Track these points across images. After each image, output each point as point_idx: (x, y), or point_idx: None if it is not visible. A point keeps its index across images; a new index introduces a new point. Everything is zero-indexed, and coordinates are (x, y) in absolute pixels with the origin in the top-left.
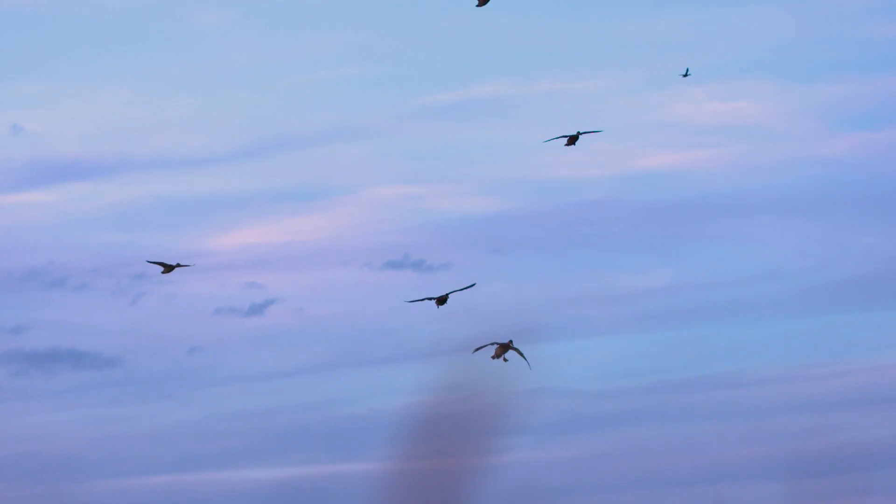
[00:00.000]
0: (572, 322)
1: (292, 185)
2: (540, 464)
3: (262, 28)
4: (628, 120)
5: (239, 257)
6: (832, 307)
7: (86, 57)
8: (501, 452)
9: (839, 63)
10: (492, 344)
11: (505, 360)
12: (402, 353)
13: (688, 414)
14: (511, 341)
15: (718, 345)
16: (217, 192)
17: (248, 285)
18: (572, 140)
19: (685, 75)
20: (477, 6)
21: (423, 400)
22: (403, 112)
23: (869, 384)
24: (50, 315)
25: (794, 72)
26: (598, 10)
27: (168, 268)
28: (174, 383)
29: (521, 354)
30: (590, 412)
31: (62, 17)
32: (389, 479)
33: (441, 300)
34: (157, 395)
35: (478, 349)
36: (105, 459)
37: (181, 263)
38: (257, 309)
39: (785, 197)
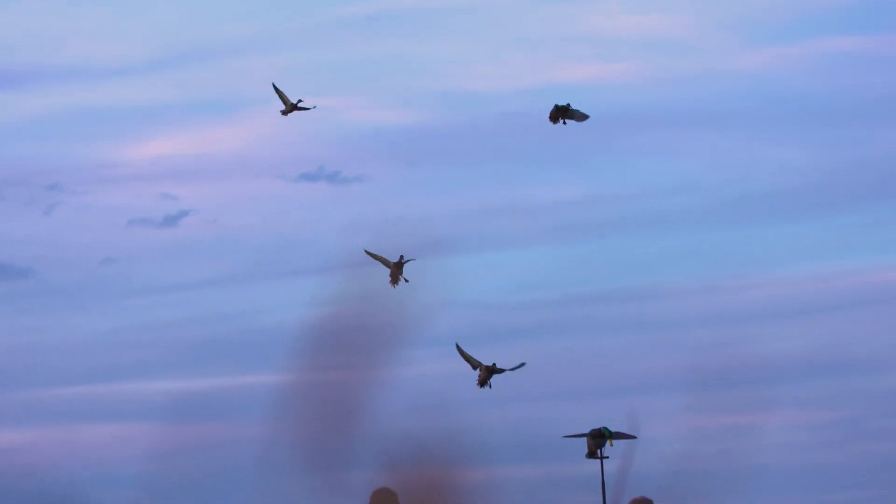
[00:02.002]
0: (487, 234)
1: (207, 96)
2: (455, 376)
3: None
4: (543, 32)
5: (153, 168)
6: (746, 220)
7: None
8: (410, 364)
9: None
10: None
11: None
12: (315, 265)
13: (601, 326)
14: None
15: (632, 257)
16: (131, 102)
17: (163, 196)
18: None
19: None
20: None
21: (333, 312)
22: (318, 23)
23: (781, 296)
24: None
25: None
26: None
27: (290, 107)
28: (87, 294)
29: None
30: (503, 324)
31: None
32: (298, 391)
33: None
34: (69, 306)
35: (371, 254)
36: (17, 370)
37: (301, 102)
38: (171, 220)
39: (699, 110)
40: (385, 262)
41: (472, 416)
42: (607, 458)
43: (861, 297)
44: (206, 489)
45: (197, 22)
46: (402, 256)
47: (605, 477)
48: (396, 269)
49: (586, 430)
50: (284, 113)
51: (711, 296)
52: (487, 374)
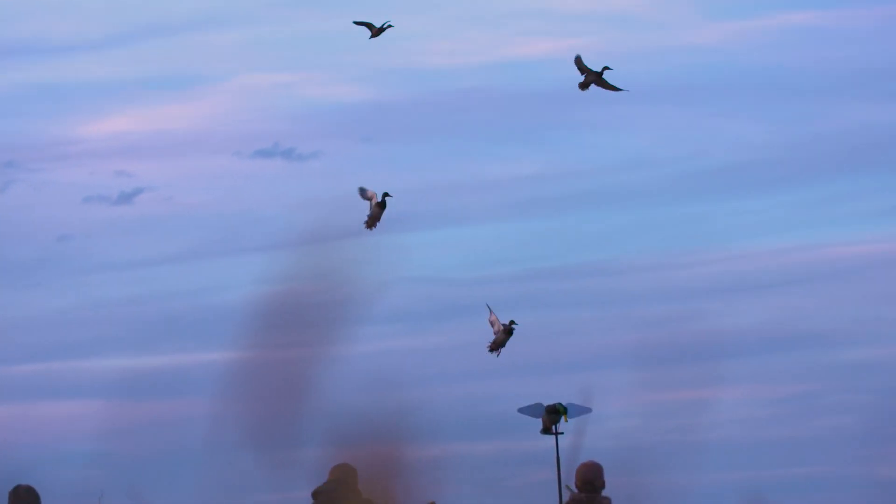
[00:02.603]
0: (444, 210)
1: (162, 72)
2: (414, 351)
3: None
4: (501, 7)
5: (108, 145)
6: (702, 195)
7: None
8: (363, 341)
9: None
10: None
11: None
12: (271, 241)
13: (558, 301)
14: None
15: (589, 232)
16: (86, 79)
17: (118, 173)
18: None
19: None
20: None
21: (286, 288)
22: None
23: (738, 272)
24: None
25: None
26: None
27: (376, 31)
28: (43, 271)
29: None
30: (461, 300)
31: None
32: (249, 368)
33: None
34: (25, 283)
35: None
36: None
37: (387, 23)
38: (126, 197)
39: (656, 85)
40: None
41: (424, 393)
42: (562, 433)
43: (818, 272)
44: (159, 467)
45: None
46: (386, 194)
47: (559, 452)
48: (378, 209)
49: (542, 406)
50: (372, 37)
51: (667, 271)
52: (506, 335)
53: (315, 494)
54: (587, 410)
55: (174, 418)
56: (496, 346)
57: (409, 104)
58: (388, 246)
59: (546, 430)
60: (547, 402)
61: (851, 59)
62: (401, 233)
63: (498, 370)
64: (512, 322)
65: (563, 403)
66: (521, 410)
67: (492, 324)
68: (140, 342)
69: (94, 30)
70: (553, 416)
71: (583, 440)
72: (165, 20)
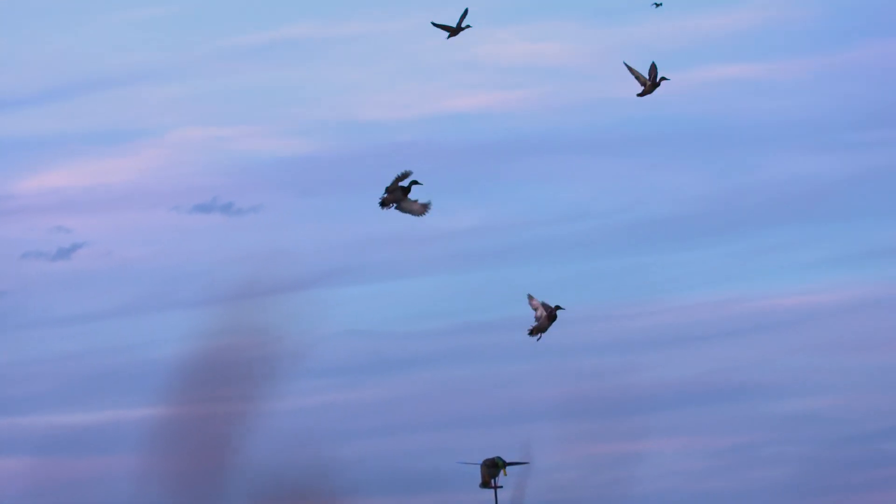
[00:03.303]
0: (382, 264)
1: (100, 126)
2: (350, 405)
3: None
4: (438, 60)
5: (46, 200)
6: (639, 247)
7: None
8: (302, 395)
9: (643, 3)
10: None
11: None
12: (208, 296)
13: (495, 354)
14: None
15: (527, 285)
16: (23, 133)
17: (56, 229)
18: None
19: (657, 5)
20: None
21: (219, 343)
22: (212, 53)
23: (674, 324)
24: None
25: (599, 12)
26: None
27: (454, 31)
28: None
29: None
30: (399, 353)
31: None
32: (177, 425)
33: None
34: None
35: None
36: None
37: (466, 25)
38: (64, 253)
39: (593, 137)
40: None
41: (358, 447)
42: (501, 487)
43: (754, 324)
44: None
45: (90, 52)
46: (415, 181)
47: None
48: (403, 195)
49: (480, 459)
50: (450, 36)
51: (604, 323)
52: (549, 320)
53: None
54: (526, 463)
55: (103, 475)
56: (538, 330)
57: (347, 157)
58: (325, 300)
59: (485, 485)
60: (485, 455)
61: (784, 110)
62: (338, 286)
63: (435, 423)
64: (557, 307)
65: (502, 457)
66: (461, 463)
67: (534, 308)
68: (74, 398)
69: (30, 84)
70: (492, 469)
71: (523, 494)
72: (102, 74)
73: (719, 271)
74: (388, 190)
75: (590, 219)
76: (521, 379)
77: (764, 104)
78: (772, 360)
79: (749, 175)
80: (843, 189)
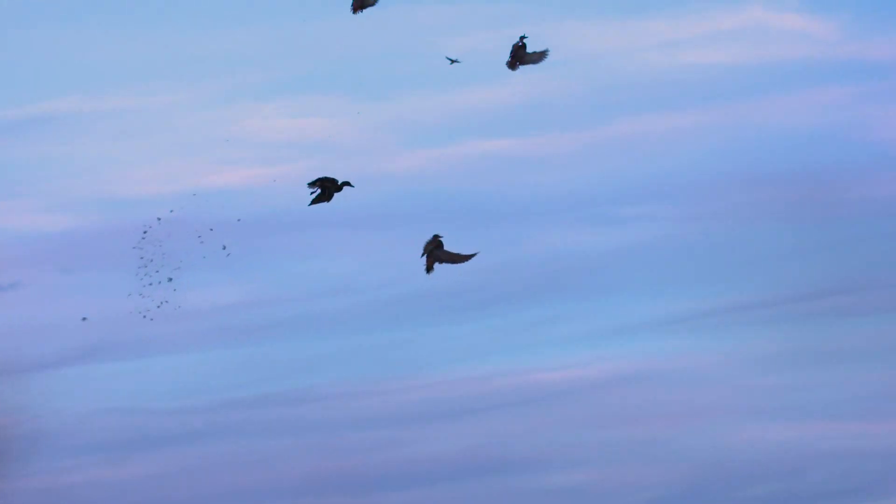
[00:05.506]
0: (140, 340)
1: None
2: (112, 484)
3: None
4: (199, 136)
5: None
6: (403, 321)
7: None
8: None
9: (409, 78)
10: None
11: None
12: None
13: (259, 430)
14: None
15: (290, 360)
16: None
17: None
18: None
19: (453, 62)
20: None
21: None
22: None
23: (438, 399)
24: None
25: (365, 87)
26: (170, 24)
27: (337, 187)
28: None
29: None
30: (158, 431)
31: None
32: None
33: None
34: None
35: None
36: None
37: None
38: None
39: (357, 212)
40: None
41: None
42: None
43: (519, 397)
44: None
45: None
46: (346, 183)
47: None
48: (334, 187)
49: None
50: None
51: (368, 399)
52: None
53: None
54: None
55: None
56: (430, 268)
57: (107, 233)
58: (84, 377)
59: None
60: None
61: (550, 185)
62: (99, 363)
63: (203, 500)
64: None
65: None
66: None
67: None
68: None
69: None
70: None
71: None
72: None
73: (484, 345)
74: (322, 185)
75: (354, 293)
76: (283, 454)
77: (529, 178)
78: (535, 434)
79: (514, 249)
80: (604, 263)
